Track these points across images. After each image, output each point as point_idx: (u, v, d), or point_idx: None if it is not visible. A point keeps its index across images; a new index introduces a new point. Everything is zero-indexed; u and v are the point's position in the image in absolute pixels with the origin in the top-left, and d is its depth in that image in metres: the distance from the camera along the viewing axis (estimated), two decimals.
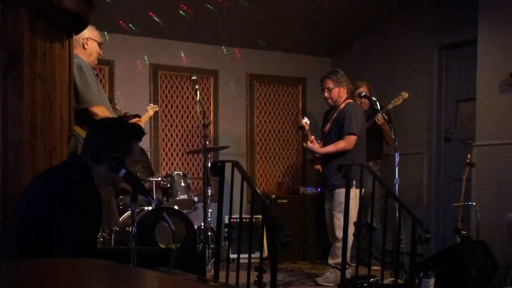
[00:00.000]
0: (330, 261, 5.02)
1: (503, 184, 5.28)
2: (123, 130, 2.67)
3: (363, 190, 5.37)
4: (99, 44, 4.25)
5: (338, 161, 4.97)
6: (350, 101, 5.24)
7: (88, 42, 4.15)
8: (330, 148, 5.10)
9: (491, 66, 5.43)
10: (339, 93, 5.19)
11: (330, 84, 5.19)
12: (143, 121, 5.65)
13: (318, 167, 5.38)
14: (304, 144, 5.31)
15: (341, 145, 5.05)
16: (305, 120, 5.43)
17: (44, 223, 2.38)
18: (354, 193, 4.71)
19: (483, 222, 5.24)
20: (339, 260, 4.80)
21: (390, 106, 5.75)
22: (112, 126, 2.67)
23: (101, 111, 3.92)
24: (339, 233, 4.94)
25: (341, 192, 4.97)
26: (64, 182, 2.45)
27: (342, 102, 5.19)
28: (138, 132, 2.73)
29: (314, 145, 5.19)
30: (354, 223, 4.65)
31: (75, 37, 3.83)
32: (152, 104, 5.84)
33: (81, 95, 3.86)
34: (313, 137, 5.27)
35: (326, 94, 5.23)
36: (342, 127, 5.07)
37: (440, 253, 4.70)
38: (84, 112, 3.91)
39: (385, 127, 5.72)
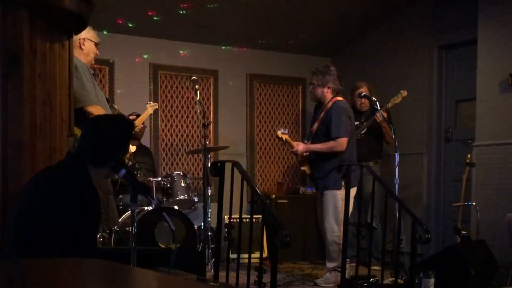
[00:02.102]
0: (328, 265, 5.00)
1: (503, 184, 5.28)
2: (121, 132, 2.67)
3: (363, 189, 5.37)
4: (96, 45, 4.24)
5: (328, 162, 4.94)
6: (339, 99, 5.09)
7: (85, 43, 4.14)
8: (321, 146, 5.01)
9: (491, 66, 5.43)
10: (322, 93, 5.08)
11: (314, 81, 5.11)
12: (143, 119, 5.65)
13: (305, 168, 5.32)
14: (293, 152, 5.24)
15: (331, 144, 4.94)
16: (281, 131, 5.34)
17: (42, 223, 2.38)
18: (341, 195, 4.71)
19: (483, 222, 5.24)
20: (336, 263, 4.80)
21: (390, 105, 5.73)
22: (110, 129, 2.66)
23: (97, 110, 3.91)
24: (330, 236, 4.93)
25: (328, 194, 4.95)
26: (62, 182, 2.45)
27: (329, 101, 5.06)
28: (132, 129, 2.76)
29: (299, 146, 5.14)
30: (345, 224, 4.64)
31: None
32: (151, 102, 5.85)
33: (75, 95, 3.85)
34: (295, 143, 5.25)
35: (310, 89, 5.21)
36: (329, 129, 4.96)
37: (440, 253, 4.70)
38: (80, 112, 3.91)
39: (384, 124, 5.71)
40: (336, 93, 5.11)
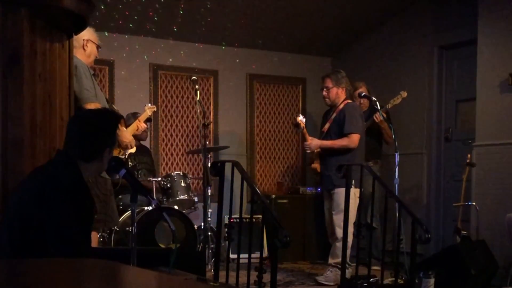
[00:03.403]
0: (331, 261, 5.03)
1: (503, 184, 5.28)
2: (104, 124, 2.65)
3: (363, 189, 5.36)
4: (98, 47, 4.25)
5: (337, 160, 4.96)
6: (349, 101, 5.24)
7: (88, 44, 4.15)
8: (334, 142, 5.08)
9: (491, 66, 5.43)
10: (337, 94, 5.20)
11: (329, 83, 5.21)
12: (141, 121, 5.65)
13: (316, 165, 5.34)
14: (306, 146, 5.26)
15: (344, 142, 5.04)
16: (300, 118, 5.40)
17: (35, 222, 2.38)
18: (353, 192, 4.70)
19: (483, 222, 5.24)
20: (339, 259, 4.80)
21: (389, 106, 5.74)
22: (92, 122, 2.64)
23: (95, 107, 3.91)
24: (340, 233, 4.93)
25: (340, 192, 4.96)
26: (52, 180, 2.45)
27: (341, 103, 5.19)
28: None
29: (313, 141, 5.20)
30: (354, 223, 4.66)
31: (75, 37, 3.84)
32: (150, 105, 5.84)
33: (74, 94, 3.85)
34: (310, 137, 5.27)
35: (324, 93, 5.25)
36: (342, 126, 5.06)
37: (440, 253, 4.71)
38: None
39: (384, 125, 5.72)
40: (348, 94, 5.26)
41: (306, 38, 6.96)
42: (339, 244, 4.92)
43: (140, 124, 5.25)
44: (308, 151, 5.34)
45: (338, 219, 4.96)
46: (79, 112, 3.42)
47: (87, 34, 4.08)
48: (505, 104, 5.34)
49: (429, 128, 6.32)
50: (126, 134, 4.52)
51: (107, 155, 2.62)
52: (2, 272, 1.53)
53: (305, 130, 5.36)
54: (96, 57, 4.30)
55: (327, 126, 5.27)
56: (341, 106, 5.17)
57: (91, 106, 3.87)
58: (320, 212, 5.72)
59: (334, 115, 5.20)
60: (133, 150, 4.89)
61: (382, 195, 4.73)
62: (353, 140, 5.03)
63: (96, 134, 2.60)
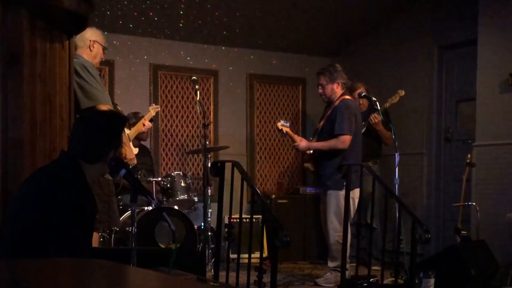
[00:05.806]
0: (330, 264, 4.99)
1: (503, 184, 5.28)
2: (109, 126, 2.65)
3: (363, 190, 5.37)
4: (104, 49, 4.25)
5: (332, 161, 4.92)
6: (346, 97, 5.09)
7: (95, 45, 4.14)
8: (323, 144, 5.01)
9: (491, 66, 5.43)
10: (332, 90, 5.07)
11: (323, 80, 5.09)
12: (145, 121, 5.66)
13: (308, 165, 5.31)
14: (294, 146, 5.23)
15: (333, 142, 4.94)
16: (282, 123, 5.34)
17: (37, 222, 2.38)
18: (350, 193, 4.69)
19: (483, 222, 5.23)
20: (338, 262, 4.79)
21: (387, 105, 5.72)
22: (97, 124, 2.64)
23: (105, 109, 3.91)
24: (333, 236, 4.92)
25: (332, 195, 4.94)
26: (55, 181, 2.45)
27: (337, 99, 5.06)
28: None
29: (302, 142, 5.14)
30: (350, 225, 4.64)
31: (81, 37, 3.84)
32: (154, 105, 5.87)
33: (89, 94, 3.85)
34: (299, 138, 5.24)
35: (320, 91, 5.15)
36: (334, 126, 4.96)
37: (440, 253, 4.70)
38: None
39: (379, 127, 5.70)
40: (346, 88, 5.14)
41: (306, 38, 6.96)
42: (334, 248, 4.90)
43: (146, 122, 5.30)
44: (297, 152, 5.30)
45: (331, 222, 4.94)
46: (86, 113, 3.42)
47: (94, 35, 4.08)
48: (505, 104, 5.34)
49: (429, 128, 6.32)
50: (131, 151, 4.52)
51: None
52: (3, 272, 1.53)
53: (290, 132, 5.30)
54: (102, 59, 4.29)
55: (321, 123, 5.19)
56: (337, 102, 5.04)
57: (105, 107, 3.87)
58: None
59: (329, 112, 5.09)
60: (136, 150, 4.90)
61: (382, 195, 4.73)
62: (343, 141, 4.91)
63: (102, 136, 2.59)
